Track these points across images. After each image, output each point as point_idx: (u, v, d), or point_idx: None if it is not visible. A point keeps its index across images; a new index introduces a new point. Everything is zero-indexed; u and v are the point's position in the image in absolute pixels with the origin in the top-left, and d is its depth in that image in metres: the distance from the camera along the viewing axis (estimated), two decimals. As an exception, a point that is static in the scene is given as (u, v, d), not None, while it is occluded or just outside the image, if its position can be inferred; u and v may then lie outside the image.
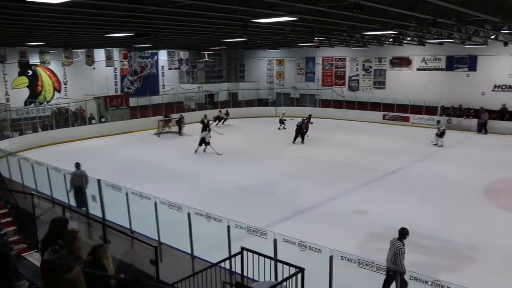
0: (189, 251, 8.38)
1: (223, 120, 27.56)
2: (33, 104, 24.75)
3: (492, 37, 18.95)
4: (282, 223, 10.97)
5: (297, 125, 21.51)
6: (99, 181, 10.32)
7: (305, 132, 21.50)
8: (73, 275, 3.77)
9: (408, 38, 21.05)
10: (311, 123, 22.10)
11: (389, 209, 12.06)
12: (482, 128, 23.74)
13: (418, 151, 19.41)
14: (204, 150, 19.41)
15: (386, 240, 7.92)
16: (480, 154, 18.83)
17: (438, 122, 21.96)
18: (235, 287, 6.55)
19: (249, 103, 31.91)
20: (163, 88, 31.88)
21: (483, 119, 23.78)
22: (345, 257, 6.29)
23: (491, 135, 23.08)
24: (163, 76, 32.39)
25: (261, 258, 6.30)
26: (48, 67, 25.52)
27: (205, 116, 23.21)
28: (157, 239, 8.90)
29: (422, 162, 17.60)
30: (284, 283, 5.62)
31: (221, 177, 15.73)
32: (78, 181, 11.68)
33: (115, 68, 28.58)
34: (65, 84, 26.90)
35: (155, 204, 8.92)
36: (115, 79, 29.40)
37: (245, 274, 6.70)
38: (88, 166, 12.58)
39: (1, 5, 9.31)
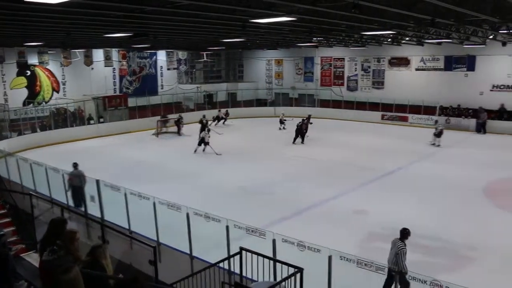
0: (188, 252, 8.36)
1: (223, 120, 27.58)
2: (31, 105, 24.72)
3: (491, 37, 18.96)
4: (281, 223, 10.97)
5: (297, 126, 21.51)
6: (97, 182, 10.30)
7: (305, 132, 21.51)
8: (71, 276, 3.77)
9: (407, 38, 21.06)
10: (311, 123, 22.11)
11: (388, 209, 12.07)
12: (481, 128, 23.76)
13: (417, 151, 19.43)
14: (204, 150, 19.41)
15: (385, 240, 7.93)
16: (479, 154, 18.86)
17: (436, 122, 22.01)
18: (234, 287, 6.55)
19: (248, 103, 31.90)
20: (162, 89, 31.88)
21: (482, 119, 23.80)
22: (344, 257, 6.30)
23: (490, 135, 23.11)
24: (161, 76, 32.37)
25: (260, 258, 6.31)
26: (47, 67, 25.49)
27: (204, 116, 23.20)
28: (156, 239, 8.89)
29: (421, 162, 17.62)
30: (283, 283, 5.62)
31: (220, 177, 15.72)
32: (76, 181, 11.67)
33: (114, 68, 28.56)
34: (64, 84, 26.86)
35: (154, 204, 8.91)
36: (114, 79, 29.37)
37: (244, 274, 6.71)
38: (86, 166, 12.56)
39: (-1, 5, 9.30)
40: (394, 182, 15.01)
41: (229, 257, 7.00)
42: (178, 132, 24.55)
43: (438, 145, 20.14)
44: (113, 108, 25.87)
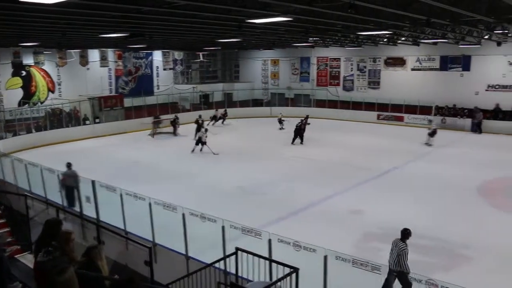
0: (184, 252, 8.36)
1: (222, 120, 27.55)
2: (27, 105, 24.59)
3: (486, 37, 19.05)
4: (278, 223, 10.97)
5: (296, 126, 21.46)
6: (93, 182, 10.27)
7: (303, 133, 21.48)
8: (66, 277, 3.77)
9: (403, 38, 21.13)
10: (308, 123, 22.10)
11: (384, 209, 12.10)
12: (476, 128, 23.87)
13: (412, 150, 19.48)
14: (201, 150, 19.38)
15: (381, 240, 7.95)
16: (474, 154, 18.94)
17: (430, 121, 22.06)
18: (229, 287, 6.55)
19: (244, 104, 31.89)
20: (158, 89, 31.78)
21: (477, 118, 23.92)
22: (340, 257, 6.30)
23: (485, 135, 23.22)
24: (157, 76, 32.28)
25: (256, 258, 6.30)
26: (42, 67, 25.34)
27: (200, 117, 23.19)
28: (151, 240, 8.89)
29: (416, 161, 17.67)
30: (279, 283, 5.62)
31: (217, 177, 15.71)
32: (69, 181, 11.62)
33: (110, 68, 28.44)
34: (59, 84, 26.73)
35: (150, 204, 8.89)
36: (110, 79, 29.24)
37: (239, 274, 6.71)
38: (82, 166, 12.53)
39: (-6, 5, 9.26)
40: (390, 182, 15.04)
41: (225, 257, 7.00)
42: (174, 133, 24.51)
43: (431, 145, 20.20)
44: (108, 108, 25.80)
